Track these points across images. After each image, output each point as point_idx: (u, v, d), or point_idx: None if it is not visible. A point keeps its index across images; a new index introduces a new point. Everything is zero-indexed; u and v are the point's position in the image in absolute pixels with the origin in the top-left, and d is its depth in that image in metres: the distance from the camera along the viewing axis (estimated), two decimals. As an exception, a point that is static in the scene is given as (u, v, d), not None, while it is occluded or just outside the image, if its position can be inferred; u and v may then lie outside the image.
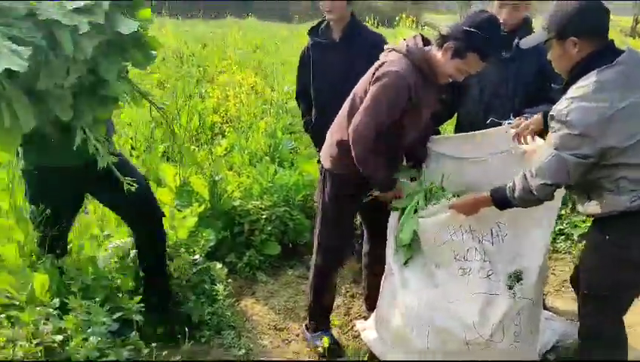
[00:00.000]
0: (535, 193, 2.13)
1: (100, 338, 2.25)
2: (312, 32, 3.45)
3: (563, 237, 4.29)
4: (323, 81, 3.29)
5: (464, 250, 2.50)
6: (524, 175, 2.16)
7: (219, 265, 3.28)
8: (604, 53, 2.08)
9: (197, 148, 4.53)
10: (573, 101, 2.04)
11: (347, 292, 3.58)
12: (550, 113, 2.13)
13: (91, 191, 2.84)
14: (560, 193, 2.33)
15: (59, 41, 2.04)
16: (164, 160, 4.54)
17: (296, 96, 3.71)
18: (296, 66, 3.60)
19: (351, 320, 3.27)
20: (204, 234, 3.36)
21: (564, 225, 4.34)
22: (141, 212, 2.81)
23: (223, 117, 5.86)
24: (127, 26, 2.16)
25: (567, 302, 3.41)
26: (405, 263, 2.63)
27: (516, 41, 2.65)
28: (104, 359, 2.22)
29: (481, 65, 2.47)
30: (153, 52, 2.37)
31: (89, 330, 2.30)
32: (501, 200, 2.30)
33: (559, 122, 2.06)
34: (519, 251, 2.52)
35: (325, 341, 2.86)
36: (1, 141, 2.20)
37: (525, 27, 2.93)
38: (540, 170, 2.10)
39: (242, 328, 3.13)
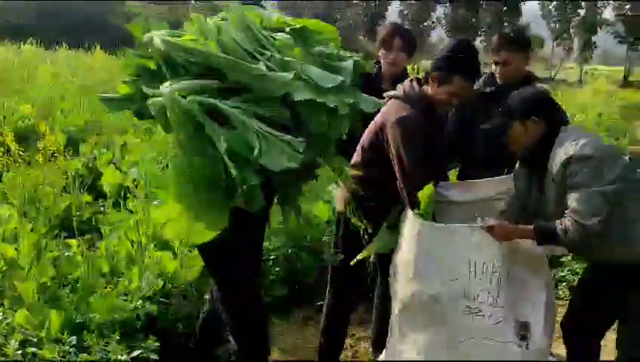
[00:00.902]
0: (593, 231, 2.23)
1: (116, 377, 2.28)
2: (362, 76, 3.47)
3: (564, 284, 4.32)
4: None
5: (477, 289, 2.47)
6: (575, 220, 2.24)
7: (228, 305, 3.30)
8: (558, 125, 2.47)
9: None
10: (578, 141, 2.31)
11: (353, 334, 3.60)
12: (562, 163, 2.30)
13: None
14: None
15: (304, 120, 1.99)
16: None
17: None
18: None
19: (358, 362, 3.29)
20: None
21: (566, 271, 4.40)
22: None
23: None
24: (368, 104, 2.21)
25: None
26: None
27: None
28: (121, 397, 2.25)
29: (469, 86, 2.67)
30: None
31: (105, 368, 2.33)
32: (546, 236, 2.37)
33: (579, 161, 2.27)
34: (527, 297, 2.55)
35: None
36: (216, 218, 2.01)
37: (531, 82, 3.06)
38: (589, 210, 2.22)
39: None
